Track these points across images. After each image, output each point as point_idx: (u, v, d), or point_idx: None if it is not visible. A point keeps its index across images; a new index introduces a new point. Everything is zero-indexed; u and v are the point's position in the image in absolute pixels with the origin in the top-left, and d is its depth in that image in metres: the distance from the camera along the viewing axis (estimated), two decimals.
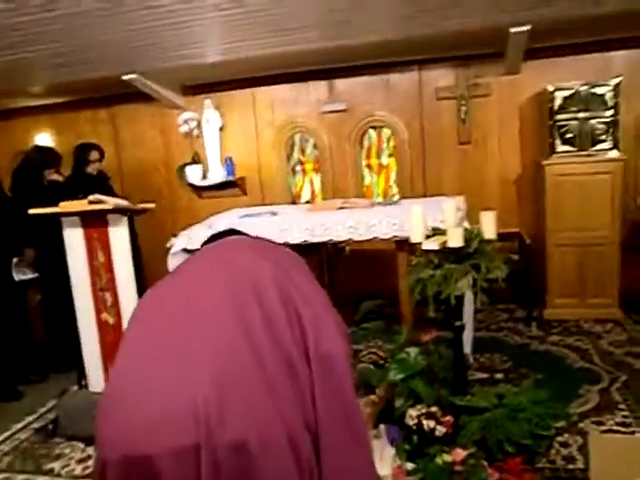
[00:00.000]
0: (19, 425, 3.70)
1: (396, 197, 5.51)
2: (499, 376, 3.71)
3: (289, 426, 1.34)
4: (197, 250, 1.75)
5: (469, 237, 2.32)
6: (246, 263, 1.53)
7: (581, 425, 3.04)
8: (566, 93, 4.45)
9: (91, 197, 3.12)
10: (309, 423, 1.39)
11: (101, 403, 1.42)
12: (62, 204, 3.22)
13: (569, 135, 4.51)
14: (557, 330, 4.53)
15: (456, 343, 2.56)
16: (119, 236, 3.15)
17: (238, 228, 1.79)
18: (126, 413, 1.33)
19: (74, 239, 3.27)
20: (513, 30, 4.10)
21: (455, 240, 2.21)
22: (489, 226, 2.37)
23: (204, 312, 1.42)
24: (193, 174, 5.76)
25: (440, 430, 2.36)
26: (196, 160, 5.81)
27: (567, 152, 4.54)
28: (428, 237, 2.40)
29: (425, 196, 5.26)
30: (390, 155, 5.57)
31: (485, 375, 3.73)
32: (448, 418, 2.29)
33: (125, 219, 3.13)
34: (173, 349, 1.37)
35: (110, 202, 3.09)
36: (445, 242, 2.24)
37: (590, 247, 4.58)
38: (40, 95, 5.71)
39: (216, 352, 1.35)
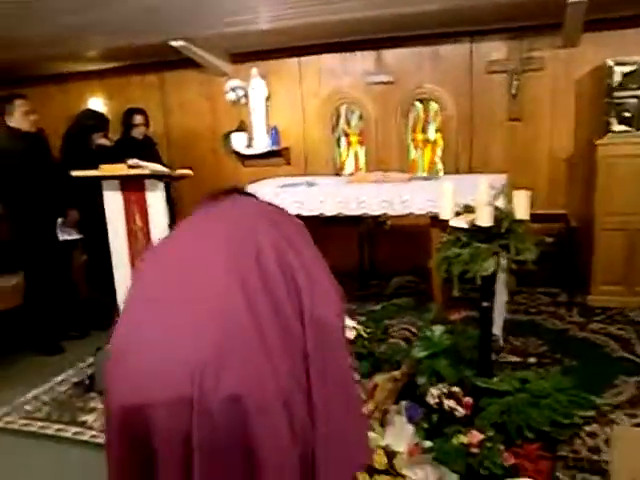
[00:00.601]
0: (59, 378, 3.85)
1: (440, 173, 5.39)
2: (532, 360, 3.62)
3: (284, 388, 1.35)
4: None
5: (500, 217, 2.24)
6: (249, 224, 1.53)
7: (612, 416, 2.94)
8: (627, 69, 4.19)
9: (130, 161, 3.17)
10: (304, 388, 1.39)
11: (108, 356, 1.46)
12: (103, 167, 3.30)
13: (626, 114, 4.26)
14: (600, 317, 4.37)
15: (483, 324, 2.49)
16: (155, 201, 3.21)
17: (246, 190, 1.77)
18: (127, 365, 1.38)
19: (113, 202, 3.37)
20: (571, 0, 3.88)
21: (484, 219, 2.13)
22: (522, 206, 2.28)
23: (205, 270, 1.44)
24: (238, 142, 5.79)
25: (460, 411, 2.32)
26: (242, 128, 5.82)
27: (623, 132, 4.30)
28: (458, 214, 2.33)
29: (471, 173, 5.12)
30: (437, 130, 5.44)
31: (517, 359, 3.64)
32: (467, 399, 2.25)
33: (162, 185, 3.19)
34: (174, 304, 1.40)
35: (148, 167, 3.13)
36: (474, 220, 2.17)
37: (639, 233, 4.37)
38: (93, 60, 5.81)
39: (216, 311, 1.37)
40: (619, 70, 4.21)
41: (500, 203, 2.44)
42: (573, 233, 4.60)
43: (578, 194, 4.94)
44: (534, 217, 4.92)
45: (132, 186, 3.28)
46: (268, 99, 5.74)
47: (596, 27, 4.56)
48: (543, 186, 5.07)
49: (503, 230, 2.26)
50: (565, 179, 5.03)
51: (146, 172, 3.11)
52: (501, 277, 3.11)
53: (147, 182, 3.23)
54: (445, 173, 5.33)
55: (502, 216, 2.26)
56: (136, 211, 3.27)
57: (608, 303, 4.53)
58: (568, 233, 4.59)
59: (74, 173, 3.50)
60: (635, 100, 4.23)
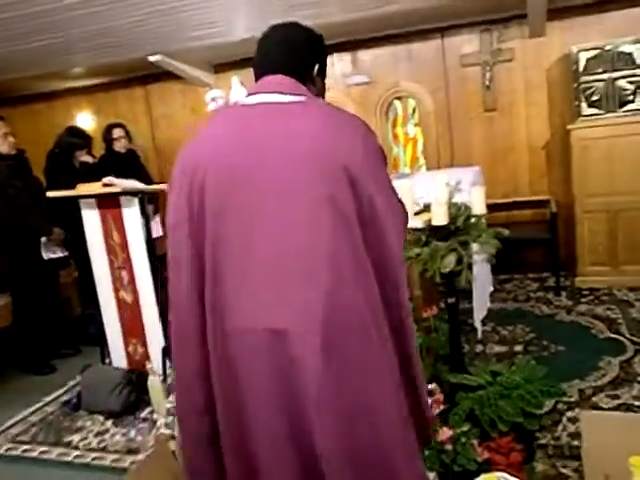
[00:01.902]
0: (48, 398, 3.88)
1: (423, 168, 5.47)
2: (518, 349, 3.69)
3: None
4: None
5: (456, 214, 2.31)
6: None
7: (595, 399, 3.02)
8: (590, 54, 4.28)
9: (105, 180, 3.26)
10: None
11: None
12: (78, 187, 3.39)
13: (595, 97, 4.34)
14: (587, 299, 4.44)
15: (451, 319, 2.57)
16: (132, 216, 3.29)
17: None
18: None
19: (91, 220, 3.45)
20: None
21: (439, 218, 2.21)
22: (478, 201, 2.36)
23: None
24: None
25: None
26: None
27: (593, 115, 4.38)
28: (418, 213, 2.41)
29: (452, 166, 5.20)
30: (416, 125, 5.52)
31: (504, 348, 3.72)
32: (437, 396, 2.32)
33: (136, 200, 3.26)
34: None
35: (121, 185, 3.22)
36: (430, 219, 2.25)
37: (621, 212, 4.45)
38: (79, 77, 5.90)
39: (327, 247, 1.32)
40: (583, 56, 4.29)
41: (461, 198, 2.51)
42: (557, 217, 4.66)
43: (559, 179, 5.01)
44: (519, 205, 5.13)
45: (108, 204, 3.36)
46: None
47: (560, 16, 4.66)
48: (524, 174, 5.16)
49: (461, 226, 2.33)
50: (545, 165, 5.10)
51: (118, 190, 3.19)
52: (480, 268, 3.20)
53: (122, 199, 3.31)
54: (428, 168, 5.41)
55: (458, 213, 2.34)
56: (113, 228, 3.35)
57: (595, 284, 4.60)
58: (552, 218, 4.66)
59: (50, 194, 3.59)
60: (601, 83, 4.32)
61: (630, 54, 4.22)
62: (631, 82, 4.26)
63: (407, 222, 1.50)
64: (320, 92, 1.58)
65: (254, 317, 1.33)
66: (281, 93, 1.42)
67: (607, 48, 4.25)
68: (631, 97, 4.27)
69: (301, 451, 1.33)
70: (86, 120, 6.44)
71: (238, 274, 1.34)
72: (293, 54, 1.49)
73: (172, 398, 2.76)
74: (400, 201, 1.47)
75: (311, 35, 1.55)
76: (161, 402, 2.92)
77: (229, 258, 1.35)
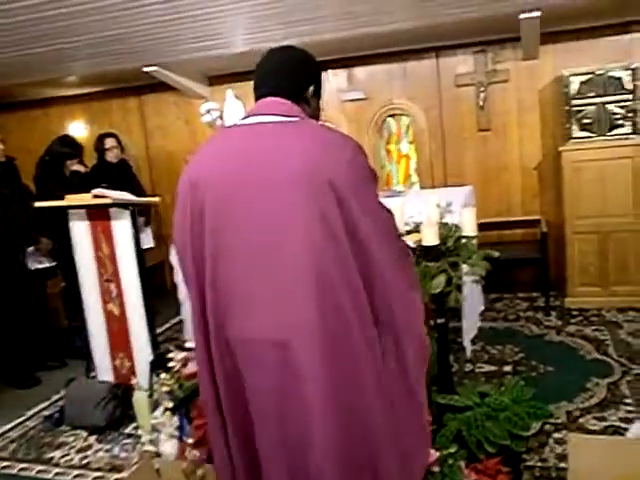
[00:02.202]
0: (30, 412, 3.80)
1: (416, 186, 5.49)
2: (507, 369, 3.70)
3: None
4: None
5: (446, 234, 2.32)
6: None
7: (581, 421, 3.03)
8: (582, 78, 4.35)
9: (95, 191, 3.24)
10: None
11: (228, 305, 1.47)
12: (67, 197, 3.36)
13: (586, 120, 4.40)
14: (576, 320, 4.46)
15: (440, 340, 2.57)
16: (122, 229, 3.27)
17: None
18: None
19: (80, 231, 3.42)
20: (523, 16, 4.01)
21: (429, 238, 2.22)
22: (469, 223, 2.37)
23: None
24: None
25: None
26: None
27: (585, 138, 4.43)
28: (409, 232, 2.41)
29: (446, 184, 5.24)
30: (410, 143, 5.55)
31: (493, 368, 3.72)
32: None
33: (127, 213, 3.22)
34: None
35: (112, 196, 3.20)
36: (421, 240, 2.26)
37: (611, 234, 4.48)
38: (74, 85, 5.89)
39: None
40: (575, 79, 4.34)
41: (452, 219, 2.52)
42: (548, 238, 4.69)
43: (550, 200, 5.05)
44: (510, 224, 5.16)
45: (98, 215, 3.34)
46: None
47: (553, 39, 4.74)
48: (517, 194, 5.20)
49: (451, 247, 2.34)
50: (537, 186, 5.14)
51: (109, 201, 3.17)
52: (470, 288, 3.20)
53: (113, 211, 3.28)
54: (421, 186, 5.43)
55: (449, 234, 2.35)
56: (103, 240, 3.32)
57: (585, 304, 4.62)
58: (542, 238, 4.68)
59: (37, 204, 3.56)
60: (593, 107, 4.37)
61: (620, 79, 4.29)
62: (621, 107, 4.32)
63: (394, 227, 1.55)
64: (314, 112, 1.65)
65: (256, 328, 1.41)
66: (276, 115, 1.49)
67: (598, 73, 4.32)
68: (621, 121, 4.33)
69: (296, 458, 1.43)
70: (79, 129, 6.44)
71: (238, 286, 1.43)
72: (288, 76, 1.57)
73: (157, 413, 2.74)
74: (388, 210, 1.52)
75: (306, 57, 1.62)
76: (146, 418, 2.89)
77: (229, 271, 1.43)
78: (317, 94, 1.65)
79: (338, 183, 1.38)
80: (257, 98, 1.58)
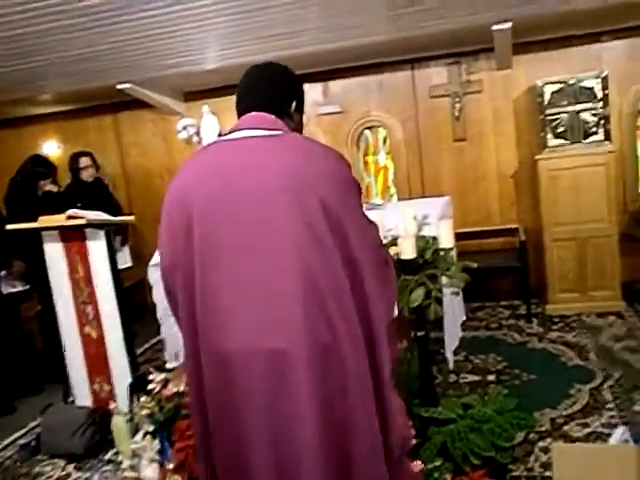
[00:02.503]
0: (6, 441, 3.68)
1: (394, 197, 5.51)
2: (491, 378, 3.70)
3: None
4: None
5: (424, 247, 2.32)
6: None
7: (566, 428, 3.03)
8: (555, 87, 4.41)
9: (69, 212, 3.19)
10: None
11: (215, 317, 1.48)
12: (41, 219, 3.29)
13: (560, 129, 4.46)
14: (557, 326, 4.48)
15: (421, 353, 2.56)
16: (97, 249, 3.21)
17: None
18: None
19: (54, 253, 3.34)
20: (495, 27, 4.06)
21: (407, 251, 2.21)
22: (446, 235, 2.36)
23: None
24: None
25: None
26: None
27: (559, 146, 4.49)
28: (387, 246, 2.40)
29: (424, 195, 5.25)
30: (387, 154, 5.57)
31: (477, 378, 3.72)
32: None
33: (102, 233, 3.17)
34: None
35: (86, 217, 3.14)
36: (399, 253, 2.25)
37: (588, 240, 4.52)
38: (47, 103, 5.84)
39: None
40: (548, 89, 4.41)
41: (430, 231, 2.52)
42: (527, 245, 4.72)
43: (528, 207, 5.09)
44: (489, 233, 5.18)
45: (72, 236, 3.27)
46: (221, 135, 5.79)
47: (525, 50, 4.81)
48: (494, 202, 5.23)
49: (429, 259, 2.34)
50: (514, 194, 5.18)
51: (83, 222, 3.11)
52: (452, 301, 3.20)
53: (88, 231, 3.21)
54: (399, 197, 5.45)
55: (427, 246, 2.35)
56: (78, 261, 3.26)
57: (565, 311, 4.65)
58: (521, 246, 4.71)
59: (10, 227, 3.48)
60: (566, 115, 4.44)
61: (591, 88, 4.36)
62: (593, 115, 4.39)
63: (378, 238, 1.62)
64: (297, 127, 1.70)
65: (249, 338, 1.41)
66: (260, 129, 1.52)
67: (570, 82, 4.39)
68: (594, 129, 4.40)
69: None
70: (53, 148, 6.35)
71: (227, 298, 1.43)
72: (272, 92, 1.62)
73: (138, 438, 2.69)
74: (370, 221, 1.56)
75: (288, 74, 1.67)
76: (126, 443, 2.83)
77: (219, 284, 1.44)
78: (299, 109, 1.69)
79: (324, 194, 1.41)
80: (240, 113, 1.62)
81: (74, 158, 4.95)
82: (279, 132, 1.52)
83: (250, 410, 1.42)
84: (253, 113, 1.57)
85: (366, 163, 5.68)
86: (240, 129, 1.55)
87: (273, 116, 1.57)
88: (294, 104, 1.66)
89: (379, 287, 1.50)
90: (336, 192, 1.44)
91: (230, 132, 1.58)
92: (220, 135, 5.71)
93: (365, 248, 1.47)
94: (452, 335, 3.41)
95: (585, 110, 4.38)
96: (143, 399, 2.75)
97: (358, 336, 1.44)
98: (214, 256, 1.44)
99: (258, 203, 1.42)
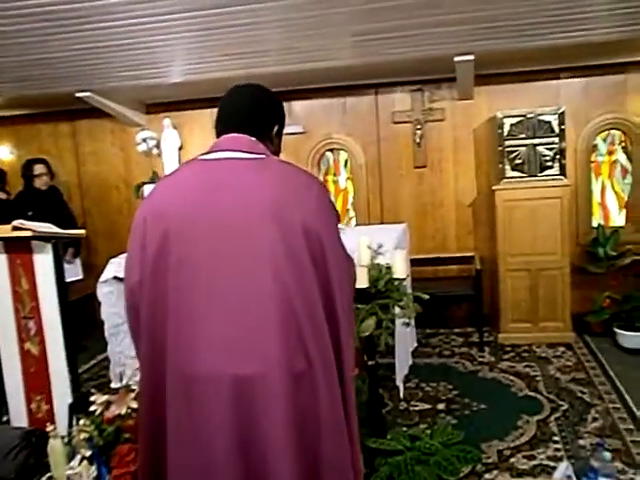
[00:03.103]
0: None
1: (352, 222, 5.51)
2: (441, 407, 3.69)
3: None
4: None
5: (378, 276, 2.31)
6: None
7: (512, 460, 3.03)
8: (514, 120, 4.50)
9: (15, 222, 3.06)
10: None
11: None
12: None
13: (518, 161, 4.55)
14: (509, 356, 4.52)
15: (371, 382, 2.54)
16: (43, 263, 3.08)
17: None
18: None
19: None
20: (457, 59, 4.13)
21: (359, 281, 2.19)
22: (400, 265, 2.36)
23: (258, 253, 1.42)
24: None
25: None
26: (155, 179, 5.78)
27: (516, 177, 4.58)
28: None
29: (382, 220, 5.28)
30: (348, 178, 5.58)
31: (427, 406, 3.70)
32: None
33: (49, 246, 3.05)
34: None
35: (32, 228, 3.02)
36: None
37: (541, 271, 4.61)
38: (1, 106, 5.64)
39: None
40: (507, 121, 4.50)
41: (384, 260, 2.50)
42: (481, 274, 4.77)
43: (484, 236, 5.17)
44: (445, 260, 5.23)
45: (17, 248, 3.13)
46: (182, 149, 5.74)
47: (487, 81, 4.91)
48: (452, 231, 5.29)
49: (382, 289, 2.32)
50: (471, 223, 5.25)
51: (29, 234, 2.99)
52: (404, 329, 3.19)
53: (34, 243, 3.09)
54: (357, 222, 5.45)
55: (380, 275, 2.33)
56: (22, 274, 3.12)
57: (517, 340, 4.71)
58: (477, 275, 4.76)
59: None
60: (524, 148, 4.54)
61: (549, 123, 4.48)
62: (550, 149, 4.50)
63: (353, 272, 1.64)
64: (277, 150, 1.69)
65: (218, 362, 1.38)
66: (242, 151, 1.51)
67: (529, 116, 4.49)
68: (550, 163, 4.50)
69: None
70: (4, 153, 6.14)
71: (202, 320, 1.39)
72: (255, 114, 1.61)
73: (74, 463, 2.56)
74: (347, 254, 1.58)
75: (272, 98, 1.67)
76: (62, 468, 2.69)
77: (193, 304, 1.41)
78: (279, 134, 1.69)
79: (306, 219, 1.41)
80: (219, 133, 1.60)
81: (28, 165, 4.82)
82: (260, 155, 1.51)
83: (216, 435, 1.37)
84: (233, 134, 1.55)
85: (326, 182, 5.67)
86: (223, 149, 1.53)
87: (254, 138, 1.55)
88: (276, 128, 1.66)
89: (348, 315, 1.52)
90: (318, 219, 1.44)
91: (209, 152, 1.56)
92: (180, 148, 5.67)
93: (342, 280, 1.48)
94: (403, 363, 3.40)
95: (542, 144, 4.49)
96: (82, 422, 2.63)
97: (332, 363, 1.44)
98: (189, 275, 1.42)
99: (236, 224, 1.41)
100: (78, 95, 4.94)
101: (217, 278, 1.40)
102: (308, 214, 1.42)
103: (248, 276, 1.39)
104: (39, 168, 4.80)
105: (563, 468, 2.51)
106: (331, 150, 5.55)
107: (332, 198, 5.48)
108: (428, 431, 2.50)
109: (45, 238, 3.04)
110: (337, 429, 1.43)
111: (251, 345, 1.37)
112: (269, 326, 1.37)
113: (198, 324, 1.39)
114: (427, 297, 2.42)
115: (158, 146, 5.70)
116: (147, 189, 5.68)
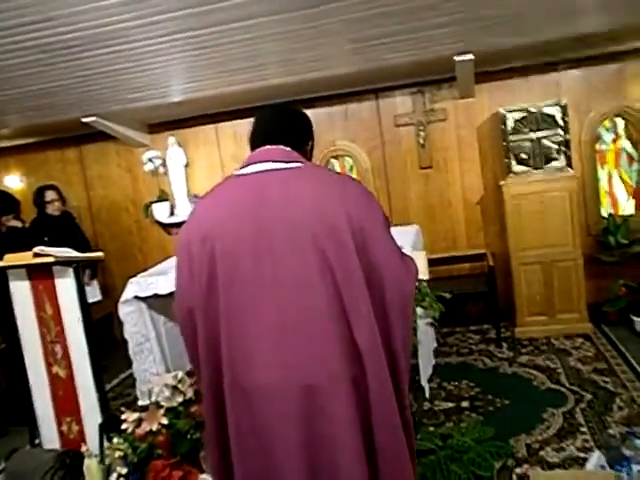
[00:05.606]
0: None
1: None
2: (465, 404, 3.70)
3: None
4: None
5: None
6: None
7: (542, 453, 3.04)
8: (517, 115, 4.53)
9: (36, 249, 3.10)
10: None
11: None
12: (7, 257, 3.18)
13: (523, 155, 4.57)
14: (527, 350, 4.53)
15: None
16: (65, 287, 3.12)
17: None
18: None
19: (21, 291, 3.24)
20: (457, 59, 4.17)
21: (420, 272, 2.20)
22: (420, 266, 2.37)
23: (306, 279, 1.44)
24: (160, 211, 5.77)
25: None
26: (162, 197, 5.82)
27: (523, 172, 4.60)
28: None
29: (392, 223, 5.27)
30: None
31: (451, 405, 3.71)
32: None
33: (70, 270, 3.09)
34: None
35: (53, 254, 3.06)
36: None
37: (554, 263, 4.62)
38: (7, 136, 5.72)
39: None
40: (510, 117, 4.53)
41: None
42: (495, 270, 4.79)
43: (494, 232, 5.19)
44: (457, 259, 5.24)
45: (40, 274, 3.18)
46: (188, 166, 5.78)
47: (487, 78, 4.94)
48: (462, 229, 5.31)
49: None
50: (481, 220, 5.27)
51: (51, 260, 3.03)
52: (424, 329, 3.21)
53: (55, 269, 3.13)
54: None
55: None
56: (46, 299, 3.17)
57: (534, 334, 4.72)
58: (490, 271, 4.78)
59: None
60: (528, 142, 4.56)
61: (552, 116, 4.50)
62: (554, 141, 4.53)
63: (414, 275, 1.63)
64: None
65: (278, 374, 1.41)
66: (278, 161, 1.55)
67: (532, 110, 4.52)
68: (555, 155, 4.53)
69: None
70: (14, 182, 6.22)
71: (255, 334, 1.43)
72: (294, 131, 1.68)
73: None
74: (406, 255, 1.61)
75: (306, 116, 1.77)
76: None
77: (246, 319, 1.44)
78: (311, 151, 1.77)
79: (358, 230, 1.43)
80: (256, 147, 1.64)
81: (39, 192, 4.87)
82: (297, 164, 1.54)
83: (282, 444, 1.42)
84: (272, 146, 1.59)
85: None
86: (255, 162, 1.57)
87: (289, 148, 1.59)
88: (310, 144, 1.74)
89: (401, 322, 1.52)
90: (369, 224, 1.46)
91: (244, 166, 1.58)
92: (186, 165, 5.72)
93: (395, 289, 1.49)
94: (426, 363, 3.42)
95: (546, 137, 4.52)
96: (115, 440, 2.66)
97: (384, 370, 1.46)
98: (240, 292, 1.44)
99: (285, 238, 1.43)
100: (84, 120, 5.00)
101: (268, 293, 1.43)
102: (358, 222, 1.44)
103: (299, 289, 1.41)
104: (50, 194, 4.85)
105: (595, 458, 2.52)
106: (336, 157, 5.59)
107: None
108: (462, 428, 2.51)
109: (66, 263, 3.08)
110: (391, 428, 1.46)
111: (311, 356, 1.40)
112: (325, 337, 1.40)
113: (252, 339, 1.43)
114: (450, 296, 2.45)
115: (164, 165, 5.75)
116: (155, 208, 5.74)
